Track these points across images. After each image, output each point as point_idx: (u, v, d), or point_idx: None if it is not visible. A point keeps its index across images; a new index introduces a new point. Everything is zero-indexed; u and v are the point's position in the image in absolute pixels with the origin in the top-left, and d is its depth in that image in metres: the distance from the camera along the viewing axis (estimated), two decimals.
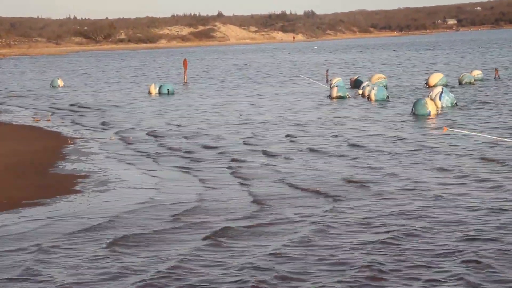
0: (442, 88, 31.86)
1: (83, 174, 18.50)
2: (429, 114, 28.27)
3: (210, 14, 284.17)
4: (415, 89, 41.93)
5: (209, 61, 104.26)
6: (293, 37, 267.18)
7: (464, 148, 20.22)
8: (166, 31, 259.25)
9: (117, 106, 39.65)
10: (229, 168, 18.84)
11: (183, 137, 25.52)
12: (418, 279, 9.63)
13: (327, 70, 56.04)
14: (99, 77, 72.95)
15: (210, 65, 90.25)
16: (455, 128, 21.29)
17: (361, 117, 29.31)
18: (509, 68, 55.27)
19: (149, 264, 10.63)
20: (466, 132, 21.07)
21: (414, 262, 10.34)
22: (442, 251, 10.79)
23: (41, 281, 9.99)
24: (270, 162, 19.47)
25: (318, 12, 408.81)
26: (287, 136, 24.50)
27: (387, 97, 35.88)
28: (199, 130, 27.15)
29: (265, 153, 20.96)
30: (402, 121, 27.37)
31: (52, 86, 58.91)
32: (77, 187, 16.74)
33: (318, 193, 15.27)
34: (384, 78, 44.01)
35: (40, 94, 51.27)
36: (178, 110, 35.48)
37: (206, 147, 22.81)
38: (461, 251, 10.72)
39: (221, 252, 11.17)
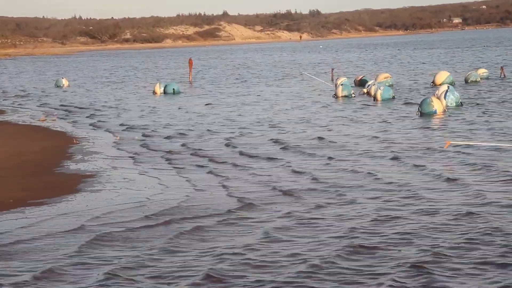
0: (448, 87, 31.71)
1: (87, 174, 18.46)
2: (435, 113, 28.19)
3: (215, 14, 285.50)
4: (421, 88, 41.81)
5: (219, 60, 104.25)
6: (300, 36, 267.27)
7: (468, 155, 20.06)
8: (171, 30, 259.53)
9: (122, 106, 39.59)
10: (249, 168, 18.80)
11: (188, 138, 25.48)
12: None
13: (333, 69, 55.87)
14: (103, 76, 72.95)
15: (219, 64, 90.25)
16: (457, 140, 20.95)
17: (365, 116, 29.24)
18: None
19: (21, 271, 10.49)
20: (470, 143, 20.53)
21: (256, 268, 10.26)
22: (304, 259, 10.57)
23: None
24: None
25: (323, 11, 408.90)
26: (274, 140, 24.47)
27: (393, 96, 35.77)
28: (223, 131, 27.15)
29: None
30: (407, 120, 27.32)
31: (57, 86, 58.93)
32: (78, 187, 16.72)
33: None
34: (390, 78, 43.93)
35: (45, 94, 51.30)
36: (187, 113, 35.40)
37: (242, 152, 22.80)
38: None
39: (86, 258, 11.05)
